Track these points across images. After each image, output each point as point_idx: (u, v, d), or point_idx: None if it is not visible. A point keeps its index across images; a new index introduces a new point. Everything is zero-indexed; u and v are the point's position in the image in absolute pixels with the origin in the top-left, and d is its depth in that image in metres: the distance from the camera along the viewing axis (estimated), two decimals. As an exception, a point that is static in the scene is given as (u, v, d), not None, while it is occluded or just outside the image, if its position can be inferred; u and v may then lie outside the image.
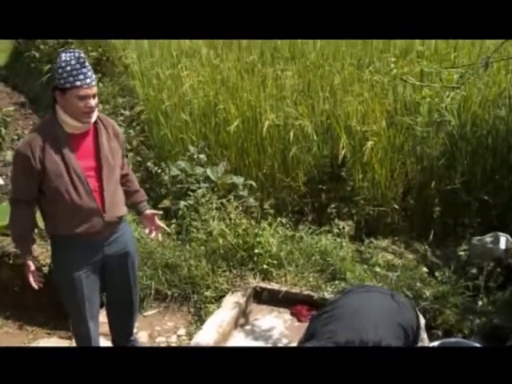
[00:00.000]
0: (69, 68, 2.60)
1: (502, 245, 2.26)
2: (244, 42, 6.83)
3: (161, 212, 3.40)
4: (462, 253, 4.29)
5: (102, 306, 3.40)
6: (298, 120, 4.82)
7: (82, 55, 2.67)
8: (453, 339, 2.95)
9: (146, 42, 6.91)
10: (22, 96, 9.29)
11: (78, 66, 2.61)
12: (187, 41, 6.85)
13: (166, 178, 4.61)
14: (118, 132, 2.94)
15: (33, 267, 2.84)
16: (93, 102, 2.67)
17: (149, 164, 5.14)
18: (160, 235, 3.32)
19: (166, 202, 4.74)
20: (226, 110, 5.13)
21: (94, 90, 2.69)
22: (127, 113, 5.92)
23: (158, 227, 3.25)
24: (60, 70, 2.62)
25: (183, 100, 5.44)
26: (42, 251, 4.15)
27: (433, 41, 6.62)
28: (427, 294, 3.74)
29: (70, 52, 2.67)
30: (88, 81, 2.63)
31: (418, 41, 6.54)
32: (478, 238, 2.37)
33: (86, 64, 2.66)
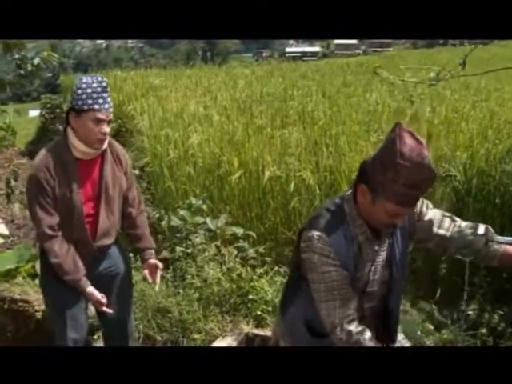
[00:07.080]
0: (89, 90, 2.52)
1: (481, 230, 2.10)
2: (256, 110, 6.98)
3: (161, 266, 3.16)
4: (470, 312, 4.10)
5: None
6: (299, 172, 4.79)
7: (105, 79, 2.61)
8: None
9: (160, 108, 7.11)
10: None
11: (99, 89, 2.54)
12: (201, 108, 7.03)
13: (164, 223, 4.56)
14: (124, 161, 2.85)
15: (97, 295, 2.71)
16: (107, 128, 2.60)
17: (152, 217, 5.11)
18: (157, 286, 3.22)
19: (165, 253, 4.67)
20: (229, 162, 5.14)
21: (111, 116, 2.62)
22: (136, 172, 5.97)
23: (155, 280, 3.07)
24: (79, 91, 2.53)
25: (188, 154, 5.49)
26: (37, 297, 4.08)
27: (443, 112, 6.69)
28: (427, 342, 3.54)
29: (93, 76, 2.60)
30: (107, 106, 2.56)
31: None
32: (456, 230, 2.21)
33: (108, 89, 2.60)
